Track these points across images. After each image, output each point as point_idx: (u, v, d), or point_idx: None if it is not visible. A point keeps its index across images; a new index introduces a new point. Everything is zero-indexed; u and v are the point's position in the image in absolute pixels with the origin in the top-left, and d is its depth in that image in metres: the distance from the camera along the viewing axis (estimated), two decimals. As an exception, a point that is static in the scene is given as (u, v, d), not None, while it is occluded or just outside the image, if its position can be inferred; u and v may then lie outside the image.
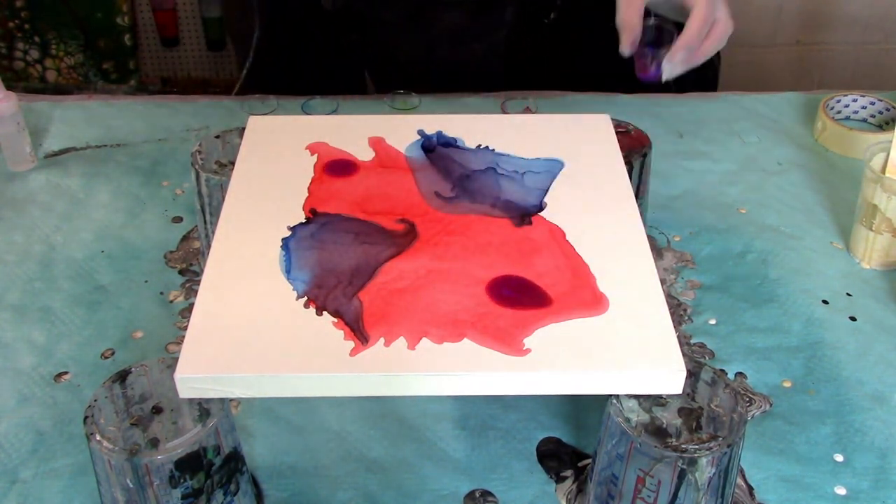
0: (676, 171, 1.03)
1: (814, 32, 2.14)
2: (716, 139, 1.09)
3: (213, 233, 0.69)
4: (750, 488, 0.68)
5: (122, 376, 0.59)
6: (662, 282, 0.85)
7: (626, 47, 0.91)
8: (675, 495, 0.57)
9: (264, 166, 0.75)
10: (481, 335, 0.60)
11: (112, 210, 0.96)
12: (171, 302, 0.84)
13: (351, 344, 0.59)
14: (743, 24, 2.00)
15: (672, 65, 0.90)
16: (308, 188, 0.73)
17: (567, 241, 0.68)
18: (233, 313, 0.61)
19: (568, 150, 0.77)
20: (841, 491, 0.68)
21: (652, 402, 0.59)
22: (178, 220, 0.94)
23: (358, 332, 0.60)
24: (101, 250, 0.90)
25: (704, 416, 0.58)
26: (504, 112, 1.05)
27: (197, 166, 0.79)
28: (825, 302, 0.85)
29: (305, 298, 0.62)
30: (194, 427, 0.56)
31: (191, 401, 0.58)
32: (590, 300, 0.63)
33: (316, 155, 0.77)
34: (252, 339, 0.59)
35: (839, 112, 1.12)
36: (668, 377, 0.58)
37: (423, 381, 0.58)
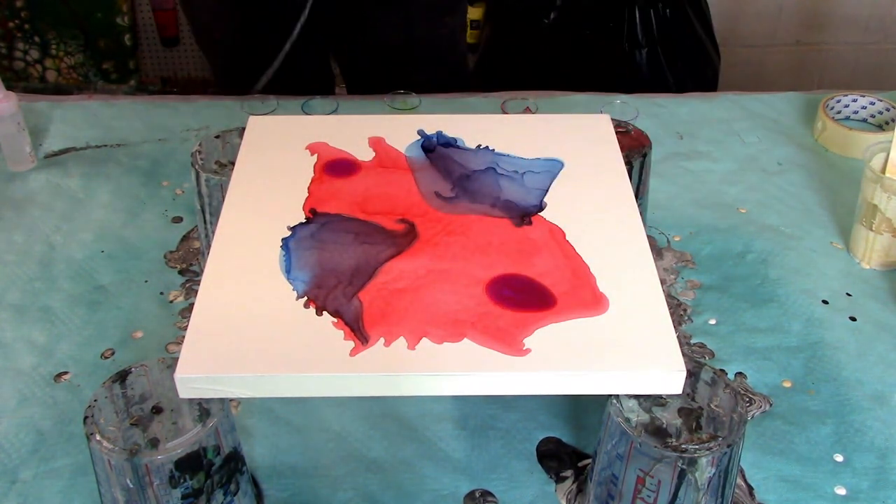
0: (676, 171, 1.03)
1: (814, 32, 2.14)
2: (716, 139, 1.09)
3: (213, 233, 0.69)
4: (750, 488, 0.68)
5: (122, 376, 0.59)
6: (662, 282, 0.85)
7: None
8: (675, 495, 0.57)
9: (264, 166, 0.75)
10: (481, 335, 0.60)
11: (112, 210, 0.96)
12: (171, 302, 0.84)
13: (351, 344, 0.59)
14: (743, 24, 2.01)
15: None
16: (308, 188, 0.73)
17: (567, 241, 0.68)
18: (233, 313, 0.61)
19: (568, 150, 0.77)
20: (841, 491, 0.68)
21: (652, 402, 0.59)
22: (178, 220, 0.94)
23: (358, 332, 0.60)
24: (101, 250, 0.90)
25: (704, 416, 0.58)
26: (504, 112, 1.05)
27: (197, 166, 0.79)
28: (825, 302, 0.85)
29: (305, 298, 0.62)
30: (194, 427, 0.56)
31: (191, 401, 0.58)
32: (590, 300, 0.63)
33: (316, 155, 0.77)
34: (252, 339, 0.59)
35: (839, 112, 1.12)
36: (668, 377, 0.58)
37: (423, 381, 0.58)
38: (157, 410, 0.57)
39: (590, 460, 0.67)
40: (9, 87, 0.98)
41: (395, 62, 1.23)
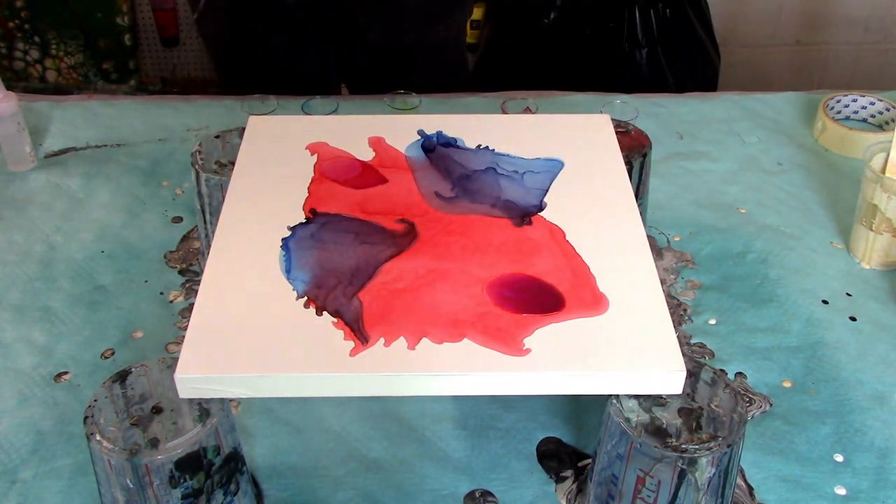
0: (676, 171, 1.03)
1: (814, 32, 2.14)
2: (716, 139, 1.09)
3: (213, 233, 0.69)
4: (750, 488, 0.68)
5: (122, 376, 0.59)
6: (662, 282, 0.85)
7: None
8: (675, 495, 0.57)
9: (264, 166, 0.75)
10: (481, 335, 0.60)
11: (112, 210, 0.96)
12: (171, 302, 0.84)
13: (351, 344, 0.59)
14: (743, 24, 2.01)
15: None
16: (308, 188, 0.73)
17: (567, 241, 0.68)
18: (233, 313, 0.61)
19: (568, 150, 0.77)
20: (841, 491, 0.68)
21: (652, 402, 0.59)
22: (178, 220, 0.94)
23: (358, 332, 0.60)
24: (101, 250, 0.90)
25: (704, 416, 0.58)
26: (504, 112, 1.05)
27: (197, 166, 0.79)
28: (825, 302, 0.85)
29: (305, 298, 0.62)
30: (194, 427, 0.56)
31: (191, 401, 0.58)
32: (590, 300, 0.63)
33: (316, 155, 0.77)
34: (252, 339, 0.59)
35: (839, 112, 1.12)
36: (668, 377, 0.58)
37: (423, 382, 0.58)
38: (157, 410, 0.57)
39: (590, 460, 0.67)
40: (9, 87, 0.98)
41: (394, 62, 1.23)
